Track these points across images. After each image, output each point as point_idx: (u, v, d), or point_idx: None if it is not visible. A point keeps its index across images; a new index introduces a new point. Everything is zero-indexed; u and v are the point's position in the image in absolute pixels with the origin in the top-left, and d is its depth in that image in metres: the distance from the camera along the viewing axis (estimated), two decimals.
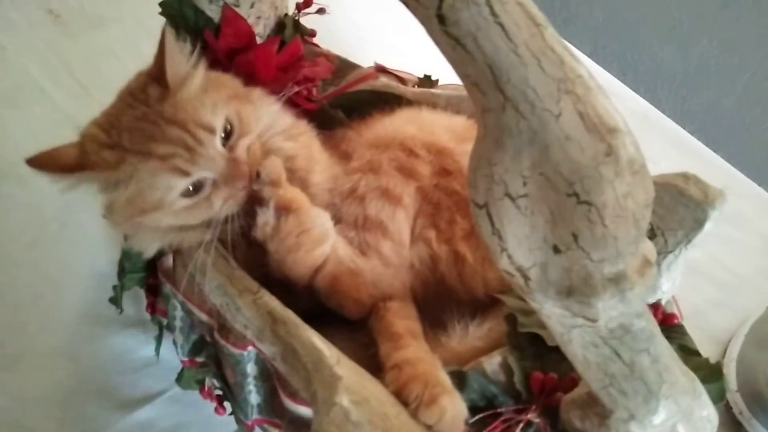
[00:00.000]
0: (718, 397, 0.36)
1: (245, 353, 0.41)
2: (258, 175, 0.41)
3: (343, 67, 0.60)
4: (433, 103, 0.58)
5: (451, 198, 0.45)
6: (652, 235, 0.42)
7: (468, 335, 0.42)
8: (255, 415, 0.44)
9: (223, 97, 0.43)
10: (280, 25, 0.56)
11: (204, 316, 0.44)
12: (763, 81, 1.69)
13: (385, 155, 0.46)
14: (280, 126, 0.46)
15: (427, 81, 0.63)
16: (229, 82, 0.46)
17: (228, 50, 0.52)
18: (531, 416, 0.37)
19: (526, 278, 0.32)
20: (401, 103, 0.58)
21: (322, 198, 0.46)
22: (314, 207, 0.42)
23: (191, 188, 0.41)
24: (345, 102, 0.58)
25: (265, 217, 0.41)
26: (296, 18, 0.58)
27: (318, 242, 0.41)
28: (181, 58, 0.42)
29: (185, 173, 0.40)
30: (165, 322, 0.50)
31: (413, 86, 0.62)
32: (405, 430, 0.34)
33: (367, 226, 0.44)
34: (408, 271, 0.44)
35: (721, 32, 1.81)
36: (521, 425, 0.36)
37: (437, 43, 0.32)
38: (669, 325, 0.42)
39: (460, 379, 0.38)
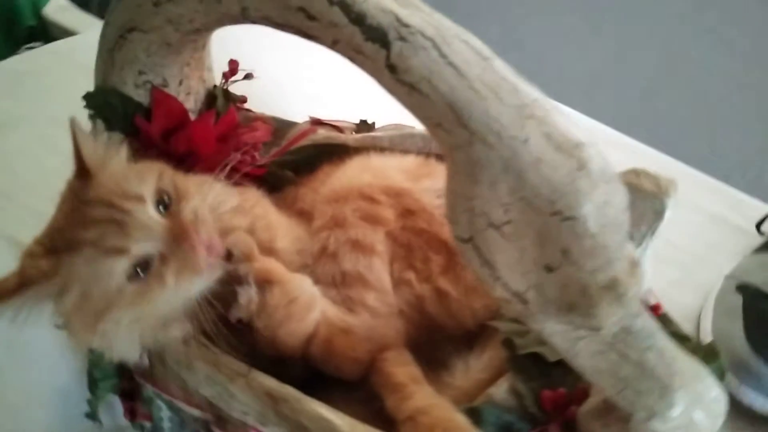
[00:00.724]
0: (720, 376, 0.37)
1: None
2: (229, 255, 0.40)
3: (280, 127, 0.59)
4: (377, 147, 0.58)
5: (421, 237, 0.45)
6: None
7: (470, 369, 0.41)
8: None
9: (152, 169, 0.41)
10: (211, 97, 0.55)
11: (196, 412, 0.41)
12: (663, 65, 1.81)
13: (346, 207, 0.46)
14: (229, 203, 0.45)
15: (364, 125, 0.64)
16: (161, 164, 0.44)
17: (162, 132, 0.51)
18: None
19: (524, 302, 0.32)
20: (345, 152, 0.58)
21: (291, 262, 0.45)
22: (295, 274, 0.41)
23: (138, 271, 0.38)
24: (290, 161, 0.58)
25: (248, 295, 0.39)
26: (225, 87, 0.57)
27: (308, 309, 0.40)
28: (97, 143, 0.41)
29: (121, 250, 0.36)
30: (149, 425, 0.47)
31: (351, 133, 0.63)
32: None
33: (347, 282, 0.43)
34: (398, 317, 0.43)
35: (616, 30, 1.93)
36: None
37: (391, 92, 0.32)
38: (656, 316, 0.43)
39: (474, 416, 0.37)
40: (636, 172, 0.45)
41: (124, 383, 0.47)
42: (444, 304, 0.44)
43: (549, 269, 0.31)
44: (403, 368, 0.41)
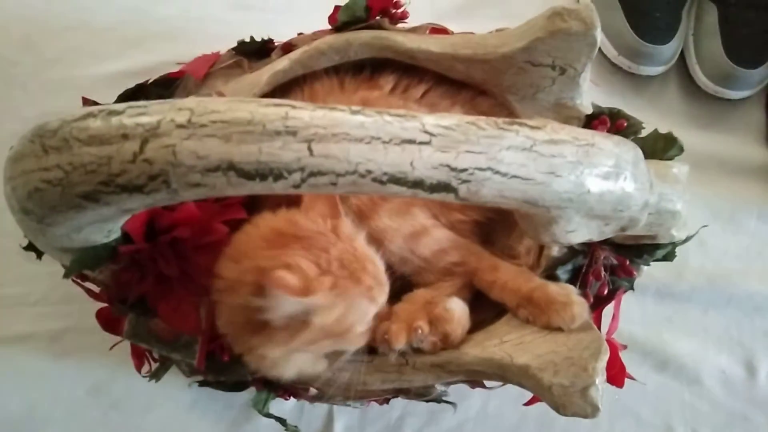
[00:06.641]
0: (680, 150, 0.51)
1: None
2: (391, 347, 0.46)
3: None
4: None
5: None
6: (562, 71, 0.50)
7: (527, 246, 0.53)
8: None
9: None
10: None
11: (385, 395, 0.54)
12: None
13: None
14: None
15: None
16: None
17: (145, 236, 0.48)
18: (603, 253, 0.52)
19: (591, 241, 0.43)
20: None
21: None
22: (431, 299, 0.48)
23: None
24: None
25: (429, 343, 0.48)
26: None
27: (466, 311, 0.49)
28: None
29: (376, 302, 0.45)
30: None
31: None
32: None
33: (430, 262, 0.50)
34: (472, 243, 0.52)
35: None
36: (603, 260, 0.52)
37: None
38: (620, 129, 0.53)
39: (554, 279, 0.52)
40: (559, 14, 0.47)
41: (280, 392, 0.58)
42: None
43: (607, 224, 0.41)
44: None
